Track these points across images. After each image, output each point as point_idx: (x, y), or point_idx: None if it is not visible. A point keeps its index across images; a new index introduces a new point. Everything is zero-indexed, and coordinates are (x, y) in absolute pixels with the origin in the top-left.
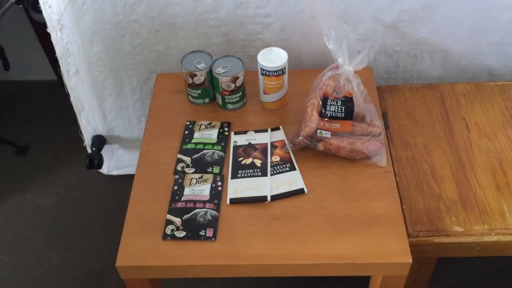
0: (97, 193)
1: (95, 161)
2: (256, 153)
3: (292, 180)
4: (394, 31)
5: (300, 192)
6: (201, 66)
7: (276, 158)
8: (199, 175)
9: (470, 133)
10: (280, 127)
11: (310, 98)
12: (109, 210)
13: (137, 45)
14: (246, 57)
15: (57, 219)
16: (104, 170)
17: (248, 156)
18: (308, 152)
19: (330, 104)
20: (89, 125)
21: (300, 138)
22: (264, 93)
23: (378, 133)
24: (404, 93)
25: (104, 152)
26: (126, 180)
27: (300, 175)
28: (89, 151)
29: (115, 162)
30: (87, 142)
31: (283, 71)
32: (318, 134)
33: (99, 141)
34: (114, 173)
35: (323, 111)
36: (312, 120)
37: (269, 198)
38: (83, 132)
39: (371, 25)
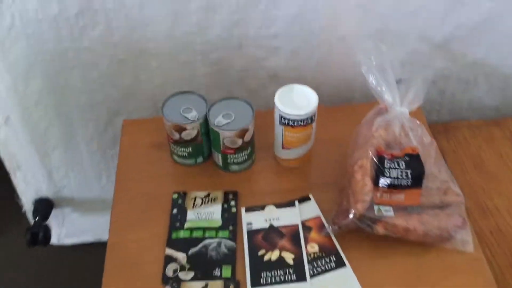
0: (44, 270)
1: (40, 235)
2: (284, 242)
3: (342, 284)
4: (443, 51)
5: None
6: (192, 115)
7: (314, 248)
8: (203, 283)
9: None
10: (310, 195)
11: (357, 159)
12: None
13: (93, 80)
14: (245, 92)
15: None
16: (54, 239)
17: (272, 247)
18: (357, 234)
19: (390, 167)
20: (30, 187)
21: (350, 219)
22: (283, 148)
23: (459, 204)
24: (462, 133)
25: (53, 218)
26: (83, 252)
27: (353, 274)
28: (31, 221)
29: (68, 229)
30: (28, 208)
31: (312, 119)
32: (376, 213)
33: (45, 206)
34: (67, 242)
35: (380, 178)
36: (366, 192)
37: None
38: (20, 196)
39: (414, 45)
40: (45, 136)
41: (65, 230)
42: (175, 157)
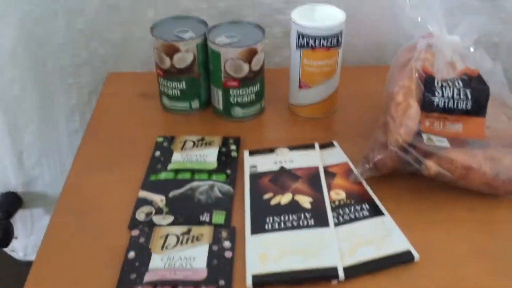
0: None
1: None
2: (299, 185)
3: (381, 235)
4: (494, 8)
5: (405, 258)
6: (188, 35)
7: (339, 194)
8: (184, 228)
9: None
10: (335, 142)
11: (397, 80)
12: None
13: (77, 31)
14: None
15: None
16: (18, 251)
17: (282, 191)
18: (395, 180)
19: (442, 86)
20: None
21: (390, 150)
22: (301, 87)
23: None
24: None
25: (18, 220)
26: None
27: (395, 224)
28: None
29: (37, 239)
30: None
31: (338, 40)
32: (426, 142)
33: (10, 203)
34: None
35: (429, 98)
36: (411, 116)
37: (341, 274)
38: None
39: None
40: (15, 106)
41: (33, 240)
42: (165, 101)
